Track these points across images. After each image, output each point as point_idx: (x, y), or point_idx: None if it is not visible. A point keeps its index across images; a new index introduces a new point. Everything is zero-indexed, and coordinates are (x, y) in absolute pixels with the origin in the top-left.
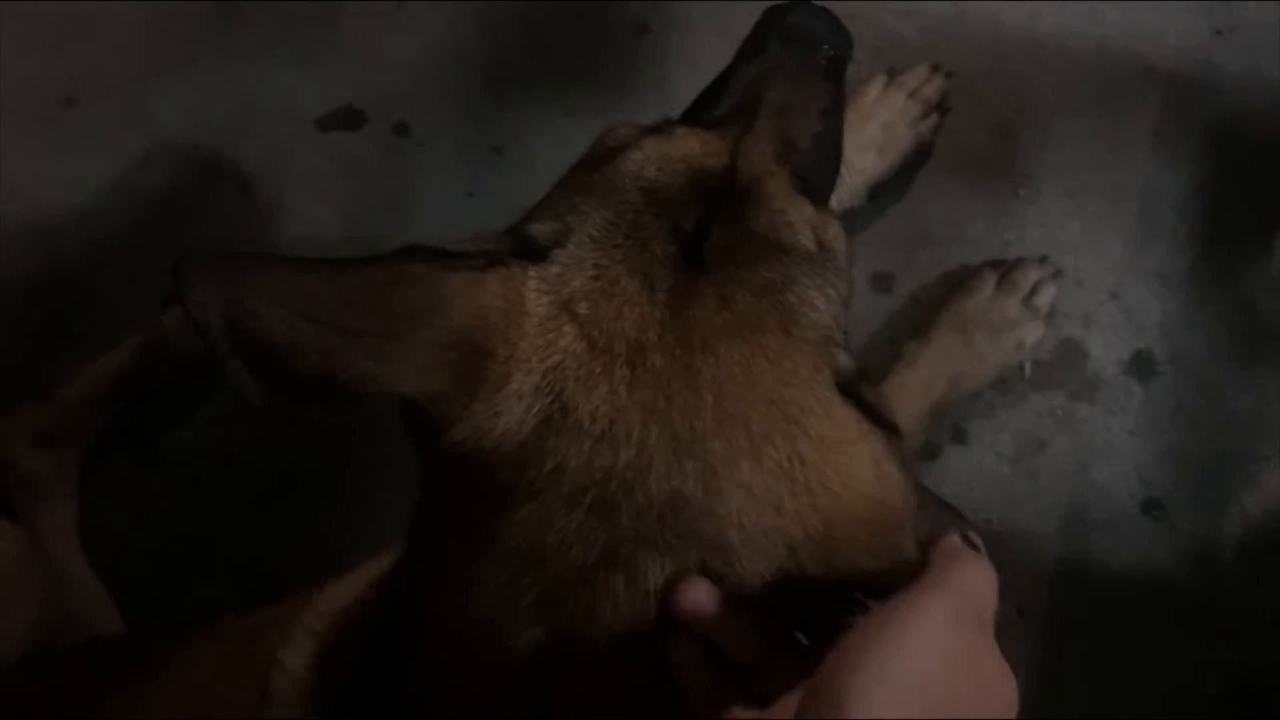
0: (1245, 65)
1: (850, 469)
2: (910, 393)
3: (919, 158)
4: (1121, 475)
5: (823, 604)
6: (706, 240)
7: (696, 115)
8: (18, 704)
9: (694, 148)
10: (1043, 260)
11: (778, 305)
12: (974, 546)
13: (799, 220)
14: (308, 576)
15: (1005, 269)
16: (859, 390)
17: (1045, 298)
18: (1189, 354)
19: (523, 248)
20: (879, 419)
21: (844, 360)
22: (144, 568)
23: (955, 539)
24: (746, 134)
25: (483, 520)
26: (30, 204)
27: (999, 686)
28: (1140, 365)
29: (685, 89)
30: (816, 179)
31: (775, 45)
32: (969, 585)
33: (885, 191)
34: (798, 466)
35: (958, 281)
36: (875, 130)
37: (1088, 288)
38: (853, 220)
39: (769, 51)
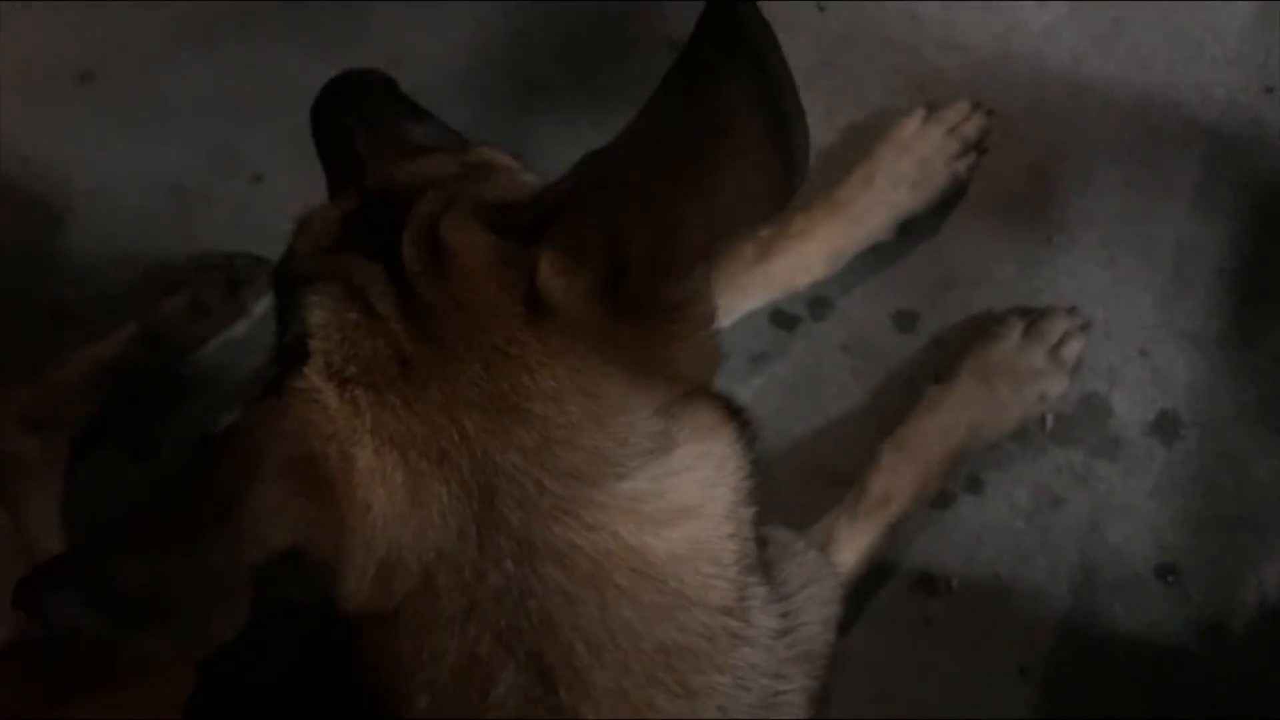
0: None
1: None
2: (930, 439)
3: (953, 196)
4: (1137, 537)
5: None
6: (388, 241)
7: None
8: None
9: (331, 209)
10: (1072, 311)
11: (456, 224)
12: None
13: (434, 165)
14: None
15: (1033, 318)
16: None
17: (1072, 350)
18: (1215, 418)
19: (287, 360)
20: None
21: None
22: None
23: None
24: (361, 175)
25: None
26: (37, 178)
27: None
28: (1164, 426)
29: None
30: (442, 140)
31: (330, 123)
32: None
33: (915, 227)
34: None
35: (983, 326)
36: (910, 165)
37: (1116, 342)
38: (879, 254)
39: (329, 129)
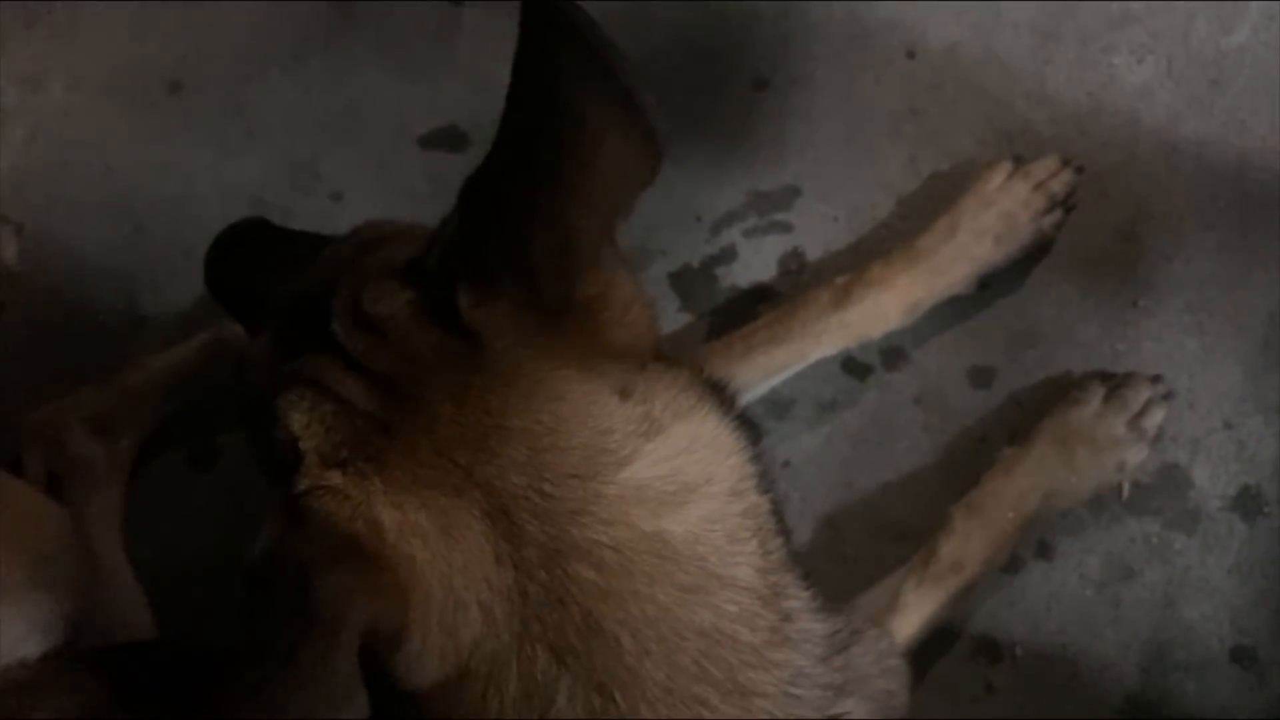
0: None
1: None
2: (1004, 504)
3: (1037, 252)
4: (1213, 617)
5: None
6: (325, 335)
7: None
8: (33, 703)
9: (261, 338)
10: (1155, 379)
11: (374, 295)
12: None
13: (332, 256)
14: None
15: (1115, 384)
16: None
17: (1154, 420)
18: None
19: (283, 470)
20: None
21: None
22: (180, 567)
23: None
24: (272, 302)
25: None
26: (121, 185)
27: None
28: (1246, 502)
29: (799, 148)
30: (321, 243)
31: (226, 284)
32: None
33: (996, 282)
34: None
35: (1062, 388)
36: (993, 218)
37: (1199, 412)
38: (958, 307)
39: (226, 288)
